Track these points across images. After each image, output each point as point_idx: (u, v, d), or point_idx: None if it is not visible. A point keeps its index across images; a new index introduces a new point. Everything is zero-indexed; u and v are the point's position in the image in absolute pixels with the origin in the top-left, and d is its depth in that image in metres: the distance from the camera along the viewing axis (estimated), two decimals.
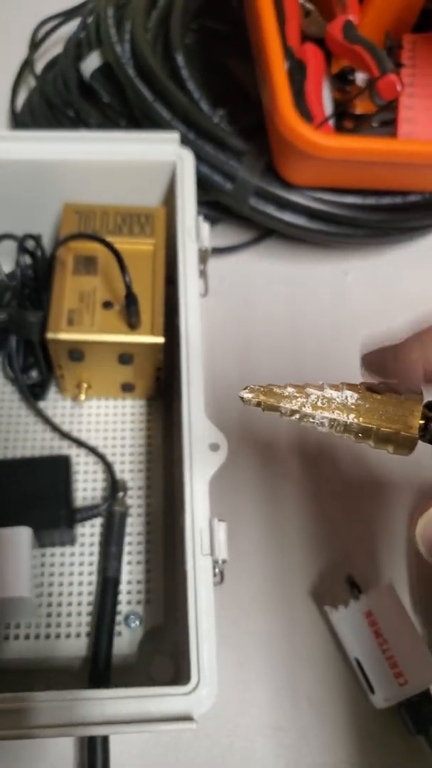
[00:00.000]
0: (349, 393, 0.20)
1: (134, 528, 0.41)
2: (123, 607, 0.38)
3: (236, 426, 0.44)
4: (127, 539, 0.40)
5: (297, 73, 0.46)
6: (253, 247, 0.53)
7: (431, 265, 0.53)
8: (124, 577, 0.39)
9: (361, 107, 0.47)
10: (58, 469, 0.39)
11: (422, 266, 0.53)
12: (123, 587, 0.39)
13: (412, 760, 0.37)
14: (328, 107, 0.47)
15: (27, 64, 0.57)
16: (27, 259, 0.43)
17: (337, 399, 0.20)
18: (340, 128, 0.48)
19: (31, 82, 0.57)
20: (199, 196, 0.48)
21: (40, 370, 0.43)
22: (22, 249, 0.41)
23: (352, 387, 0.20)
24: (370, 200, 0.47)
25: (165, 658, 0.37)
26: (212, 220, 0.52)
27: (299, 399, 0.20)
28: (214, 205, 0.50)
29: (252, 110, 0.50)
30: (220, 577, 0.33)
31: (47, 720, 0.26)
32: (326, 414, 0.19)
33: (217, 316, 0.49)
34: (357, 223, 0.48)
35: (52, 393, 0.45)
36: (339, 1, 0.47)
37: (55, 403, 0.44)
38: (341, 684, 0.38)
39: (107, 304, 0.39)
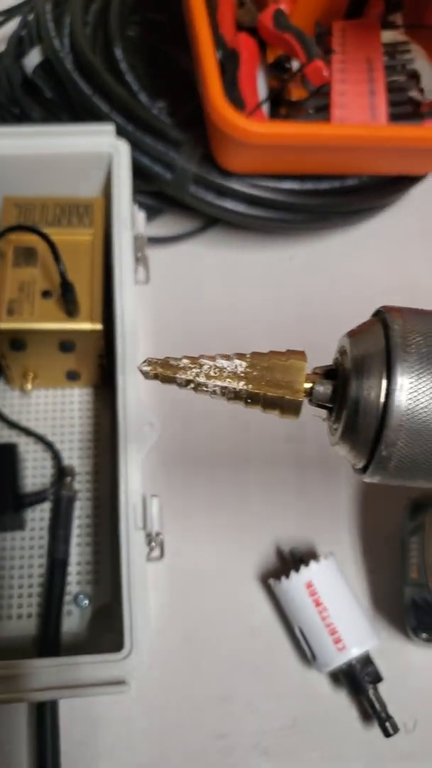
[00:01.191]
0: (238, 362, 0.21)
1: (83, 511, 0.42)
2: (73, 588, 0.39)
3: (181, 410, 0.45)
4: (76, 522, 0.41)
5: (229, 62, 0.47)
6: (198, 236, 0.54)
7: (374, 249, 0.55)
8: (74, 558, 0.40)
9: (296, 94, 0.48)
10: (5, 456, 0.40)
11: (365, 250, 0.55)
12: (72, 568, 0.40)
13: (357, 722, 0.38)
14: (262, 95, 0.48)
15: None
16: None
17: (228, 368, 0.21)
18: (276, 115, 0.49)
19: None
20: (142, 186, 0.49)
21: None
22: None
23: (241, 356, 0.21)
24: (308, 185, 0.49)
25: (114, 634, 0.38)
26: (156, 211, 0.53)
27: (193, 369, 0.21)
28: (158, 195, 0.51)
29: (191, 103, 0.51)
30: (159, 551, 0.34)
31: None
32: (218, 383, 0.21)
33: (163, 304, 0.50)
34: (296, 208, 0.49)
35: (1, 384, 0.45)
36: None
37: (3, 394, 0.45)
38: (286, 652, 0.40)
39: (46, 294, 0.40)
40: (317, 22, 0.49)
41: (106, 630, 0.38)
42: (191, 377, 0.21)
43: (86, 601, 0.39)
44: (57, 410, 0.45)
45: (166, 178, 0.48)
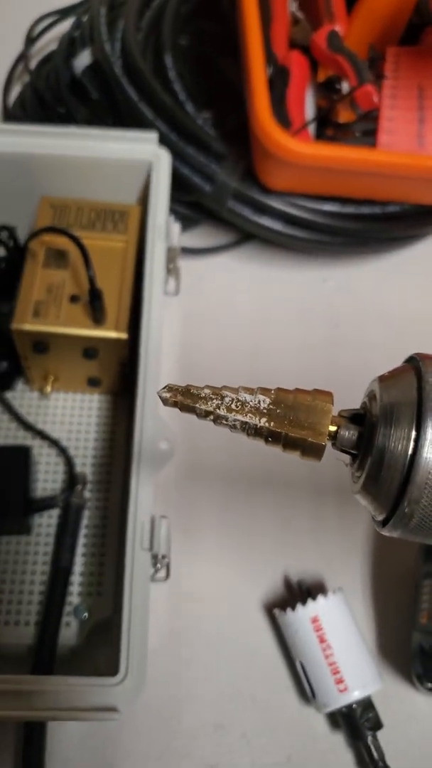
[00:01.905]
0: (261, 397, 0.20)
1: (91, 521, 0.41)
2: (74, 598, 0.39)
3: (197, 427, 0.44)
4: (83, 532, 0.41)
5: (279, 79, 0.46)
6: (233, 250, 0.53)
7: (409, 277, 0.53)
8: (78, 568, 0.39)
9: (344, 116, 0.47)
10: (18, 458, 0.39)
11: (400, 277, 0.53)
12: (75, 579, 0.39)
13: (352, 764, 0.37)
14: (310, 115, 0.47)
15: (21, 59, 0.57)
16: (0, 252, 0.43)
17: (250, 402, 0.20)
18: (322, 136, 0.48)
19: (25, 77, 0.58)
20: (180, 196, 0.49)
21: (9, 360, 0.43)
22: None
23: (265, 392, 0.20)
24: (349, 209, 0.48)
25: (111, 649, 0.37)
26: (192, 221, 0.53)
27: (214, 401, 0.20)
28: (195, 206, 0.51)
29: (240, 113, 0.50)
30: (165, 572, 0.33)
31: None
32: (239, 417, 0.20)
33: (192, 315, 0.49)
34: (335, 230, 0.48)
35: (21, 384, 0.45)
36: (327, 11, 0.47)
37: (22, 395, 0.45)
38: (285, 686, 0.38)
39: (74, 298, 0.40)
40: (371, 45, 0.48)
41: (103, 644, 0.38)
42: (211, 408, 0.20)
43: (86, 614, 0.38)
44: (75, 415, 0.44)
45: (205, 190, 0.47)
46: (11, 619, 0.38)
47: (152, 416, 0.34)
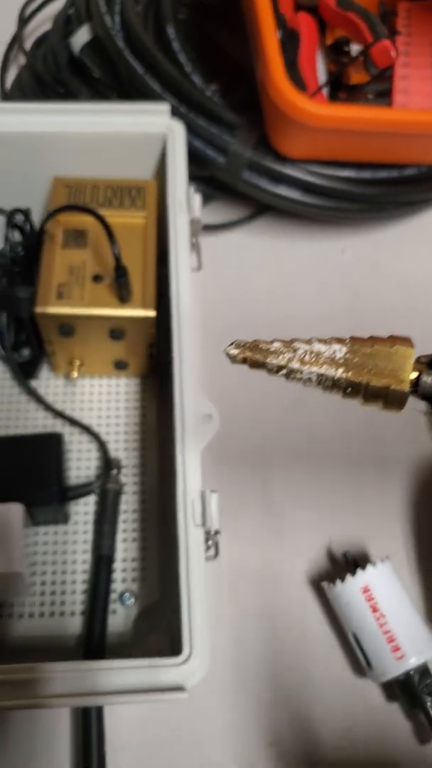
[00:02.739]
0: (337, 347, 0.19)
1: (129, 506, 0.40)
2: (118, 585, 0.38)
3: (231, 400, 0.44)
4: (121, 517, 0.40)
5: (289, 42, 0.45)
6: (248, 224, 0.52)
7: (428, 242, 0.52)
8: (119, 555, 0.39)
9: (355, 79, 0.46)
10: (50, 446, 0.38)
11: (420, 243, 0.52)
12: (118, 565, 0.38)
13: (412, 738, 0.36)
14: (322, 78, 0.46)
15: (16, 41, 0.56)
16: (16, 236, 0.42)
17: (326, 353, 0.19)
18: (334, 100, 0.47)
19: (20, 59, 0.56)
20: (193, 171, 0.47)
21: (31, 347, 0.42)
22: (10, 224, 0.41)
23: (340, 341, 0.19)
24: (366, 173, 0.47)
25: (160, 635, 0.37)
26: (206, 197, 0.51)
27: (286, 354, 0.19)
28: (208, 181, 0.49)
29: (244, 86, 0.49)
30: (214, 550, 0.32)
31: (41, 691, 0.26)
32: (314, 369, 0.19)
33: (212, 292, 0.48)
34: (352, 197, 0.47)
35: (45, 372, 0.44)
36: None
37: (47, 382, 0.44)
38: (338, 659, 0.38)
39: (97, 278, 0.39)
40: (380, 1, 0.47)
41: (152, 630, 0.37)
42: (283, 363, 0.19)
43: (132, 600, 0.37)
44: (103, 400, 0.43)
45: (219, 162, 0.46)
46: (56, 610, 0.37)
47: (191, 390, 0.33)
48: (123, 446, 0.42)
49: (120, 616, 0.37)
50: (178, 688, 0.26)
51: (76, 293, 0.38)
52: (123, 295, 0.38)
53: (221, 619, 0.38)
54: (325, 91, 0.45)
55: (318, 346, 0.19)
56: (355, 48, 0.47)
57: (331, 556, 0.40)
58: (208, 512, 0.30)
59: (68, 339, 0.40)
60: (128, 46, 0.47)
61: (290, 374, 0.19)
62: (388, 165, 0.47)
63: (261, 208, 0.52)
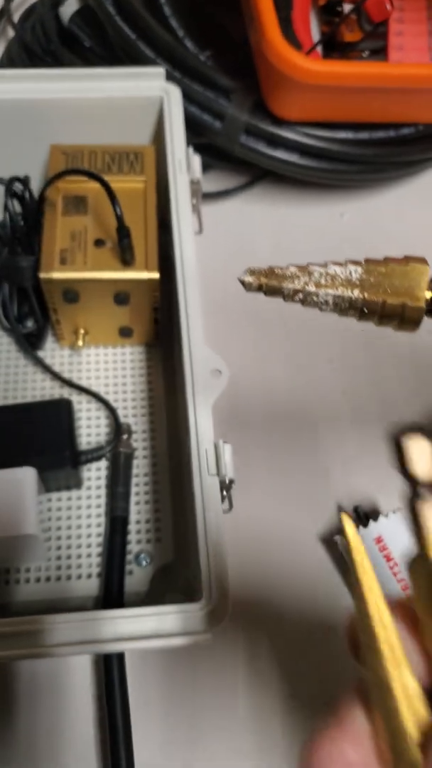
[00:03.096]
0: (353, 268, 0.19)
1: (141, 470, 0.40)
2: (133, 547, 0.38)
3: (237, 361, 0.44)
4: (134, 481, 0.40)
5: (283, 1, 0.45)
6: (247, 192, 0.52)
7: (427, 203, 0.53)
8: (133, 517, 0.39)
9: (349, 37, 0.46)
10: (60, 411, 0.38)
11: (418, 205, 0.52)
12: (132, 527, 0.38)
13: None
14: (316, 37, 0.46)
15: (4, 14, 0.55)
16: (16, 206, 0.42)
17: (341, 275, 0.19)
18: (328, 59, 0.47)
19: (9, 32, 0.56)
20: (190, 138, 0.47)
21: (35, 318, 0.42)
22: (9, 193, 0.40)
23: (356, 263, 0.19)
24: (363, 134, 0.46)
25: (177, 594, 0.37)
26: (205, 166, 0.51)
27: (302, 278, 0.19)
28: (206, 149, 0.49)
29: (239, 52, 0.49)
30: (228, 504, 0.32)
31: (63, 639, 0.26)
32: (330, 291, 0.19)
33: (212, 259, 0.48)
34: (350, 158, 0.47)
35: (50, 342, 0.44)
36: None
37: (53, 353, 0.44)
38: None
39: (99, 242, 0.39)
40: None
41: (169, 589, 0.37)
42: (300, 286, 0.19)
43: (147, 560, 0.38)
44: (109, 369, 0.43)
45: (216, 127, 0.46)
46: (73, 573, 0.37)
47: (200, 345, 0.33)
48: (132, 413, 0.42)
49: (136, 577, 0.37)
50: (202, 632, 0.27)
51: (79, 258, 0.38)
52: (126, 259, 0.38)
53: (234, 575, 0.38)
54: (319, 50, 0.45)
55: (333, 268, 0.19)
56: (348, 7, 0.47)
57: (341, 512, 0.41)
58: (222, 461, 0.30)
59: (73, 306, 0.39)
60: (118, 12, 0.47)
61: (306, 298, 0.19)
62: (385, 125, 0.47)
63: (259, 174, 0.52)
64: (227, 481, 0.30)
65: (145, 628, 0.27)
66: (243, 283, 0.19)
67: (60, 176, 0.38)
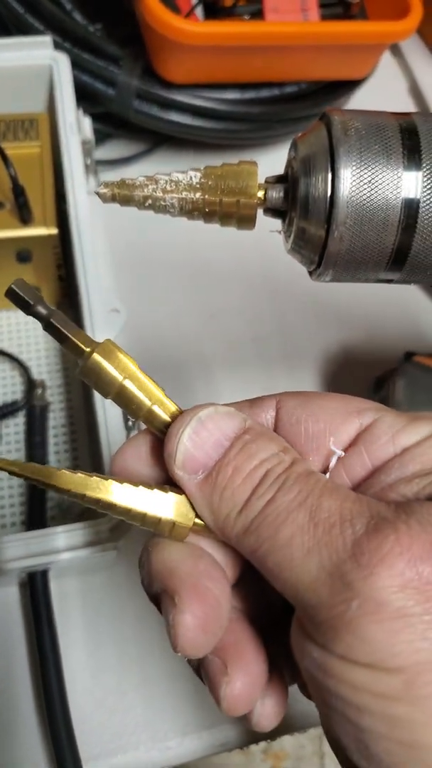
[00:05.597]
0: (193, 173, 0.22)
1: (58, 422, 0.42)
2: (55, 494, 0.40)
3: (149, 315, 0.46)
4: (52, 432, 0.42)
5: None
6: (147, 157, 0.54)
7: None
8: (53, 464, 0.40)
9: (229, 2, 0.48)
10: None
11: None
12: None
13: None
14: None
15: None
16: None
17: (183, 180, 0.21)
18: None
19: None
20: (86, 108, 0.49)
21: None
22: None
23: (195, 169, 0.22)
24: (250, 94, 0.49)
25: None
26: (104, 136, 0.53)
27: (149, 186, 0.21)
28: (105, 118, 0.51)
29: (128, 23, 0.51)
30: (137, 427, 0.35)
31: None
32: (175, 195, 0.21)
33: (120, 220, 0.50)
34: (239, 117, 0.50)
35: None
36: None
37: None
38: None
39: None
40: None
41: None
42: (149, 193, 0.21)
43: (69, 503, 0.39)
44: (21, 330, 0.45)
45: (109, 94, 0.48)
46: None
47: (97, 288, 0.35)
48: (46, 369, 0.44)
49: (59, 521, 0.39)
50: (112, 540, 0.29)
51: None
52: (24, 217, 0.39)
53: None
54: (199, 14, 0.48)
55: (176, 176, 0.22)
56: None
57: None
58: None
59: None
60: None
61: (155, 203, 0.21)
62: (269, 84, 0.49)
63: (158, 140, 0.54)
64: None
65: (59, 545, 0.29)
66: (98, 194, 0.22)
67: None
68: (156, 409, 0.20)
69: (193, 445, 0.18)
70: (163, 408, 0.20)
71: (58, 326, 0.19)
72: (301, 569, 0.16)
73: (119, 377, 0.19)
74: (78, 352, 0.19)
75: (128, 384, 0.19)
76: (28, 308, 0.19)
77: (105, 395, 0.20)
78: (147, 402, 0.19)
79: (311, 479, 0.17)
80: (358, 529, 0.15)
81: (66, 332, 0.19)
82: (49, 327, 0.19)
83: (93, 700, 0.36)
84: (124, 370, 0.19)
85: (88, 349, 0.19)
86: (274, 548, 0.16)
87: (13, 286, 0.19)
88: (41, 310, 0.19)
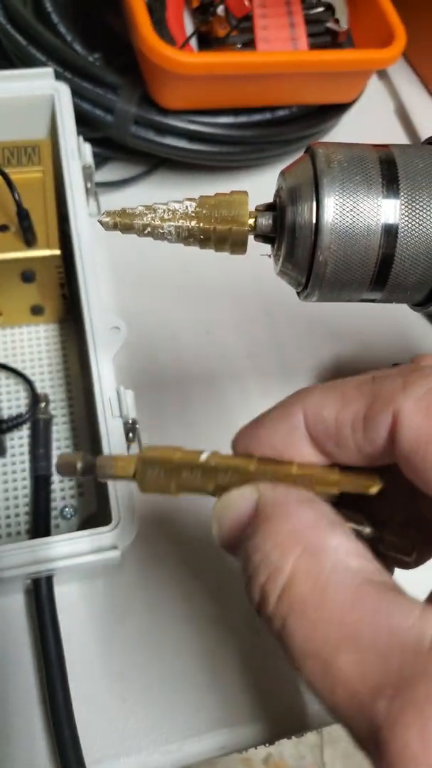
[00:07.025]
0: (188, 203, 0.23)
1: (61, 434, 0.44)
2: (58, 503, 0.41)
3: (148, 330, 0.48)
4: (55, 445, 0.43)
5: (156, 2, 0.49)
6: (145, 179, 0.56)
7: None
8: (57, 477, 0.42)
9: (221, 33, 0.51)
10: None
11: None
12: (56, 485, 0.42)
13: None
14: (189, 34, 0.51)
15: None
16: None
17: (180, 209, 0.23)
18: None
19: None
20: (86, 133, 0.51)
21: None
22: None
23: (191, 199, 0.24)
24: (242, 118, 0.51)
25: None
26: (104, 159, 0.55)
27: (148, 215, 0.23)
28: (104, 143, 0.53)
29: (126, 53, 0.53)
30: (138, 444, 0.36)
31: None
32: (172, 223, 0.23)
33: (120, 240, 0.52)
34: (233, 140, 0.52)
35: None
36: None
37: None
38: None
39: (3, 228, 0.42)
40: None
41: None
42: (147, 222, 0.23)
43: (72, 513, 0.41)
44: (25, 346, 0.47)
45: (107, 121, 0.50)
46: (2, 532, 0.40)
47: (98, 307, 0.37)
48: (49, 384, 0.45)
49: (62, 530, 0.41)
50: (113, 548, 0.30)
51: None
52: (28, 239, 0.41)
53: (146, 506, 0.42)
54: (194, 45, 0.50)
55: (173, 205, 0.23)
56: (221, 7, 0.52)
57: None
58: (124, 404, 0.34)
59: None
60: (9, 22, 0.50)
61: (154, 231, 0.23)
62: (261, 109, 0.52)
63: (155, 163, 0.56)
64: (130, 421, 0.34)
65: (63, 552, 0.31)
66: (101, 223, 0.23)
67: None
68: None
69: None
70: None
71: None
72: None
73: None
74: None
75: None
76: (79, 475, 0.21)
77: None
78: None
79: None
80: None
81: (111, 474, 0.21)
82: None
83: (96, 705, 0.37)
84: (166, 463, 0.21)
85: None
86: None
87: (59, 464, 0.21)
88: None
